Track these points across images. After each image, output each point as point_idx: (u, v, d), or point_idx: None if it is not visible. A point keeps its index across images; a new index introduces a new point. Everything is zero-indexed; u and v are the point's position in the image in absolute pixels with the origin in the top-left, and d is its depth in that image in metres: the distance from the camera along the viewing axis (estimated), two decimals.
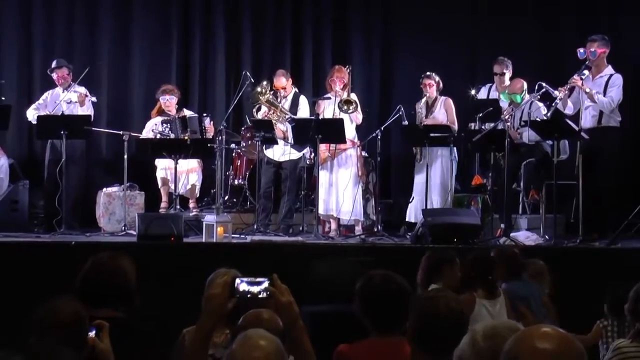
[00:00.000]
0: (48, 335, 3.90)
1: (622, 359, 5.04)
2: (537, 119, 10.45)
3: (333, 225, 11.06)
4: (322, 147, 10.83)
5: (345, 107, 10.83)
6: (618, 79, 10.40)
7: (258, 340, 3.39)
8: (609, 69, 10.51)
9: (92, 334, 4.02)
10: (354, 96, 11.01)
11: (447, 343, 3.62)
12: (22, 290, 7.91)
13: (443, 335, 3.78)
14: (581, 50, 10.47)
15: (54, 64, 11.46)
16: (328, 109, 11.08)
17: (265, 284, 3.78)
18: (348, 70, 11.16)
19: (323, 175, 10.96)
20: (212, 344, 4.21)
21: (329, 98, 11.13)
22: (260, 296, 3.77)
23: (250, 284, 3.77)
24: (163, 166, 11.37)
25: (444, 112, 11.24)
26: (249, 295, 3.76)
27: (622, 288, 6.25)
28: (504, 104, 11.09)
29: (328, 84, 11.24)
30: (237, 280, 3.76)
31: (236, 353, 3.35)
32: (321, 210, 10.86)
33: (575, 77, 10.25)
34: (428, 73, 11.33)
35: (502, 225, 10.39)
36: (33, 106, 11.39)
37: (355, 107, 10.92)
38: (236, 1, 13.26)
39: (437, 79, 11.27)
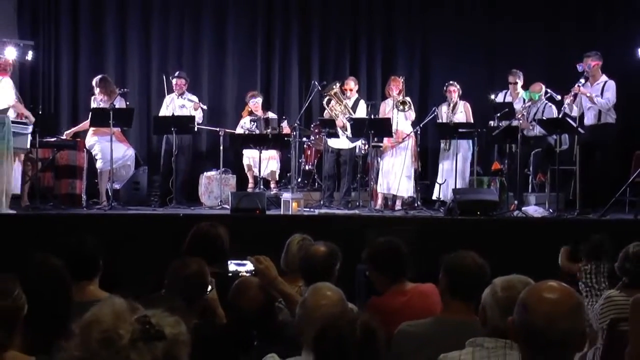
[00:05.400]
0: (178, 286, 3.91)
1: (612, 306, 5.00)
2: (544, 118, 10.47)
3: (383, 201, 11.02)
4: (385, 139, 10.88)
5: (402, 107, 10.91)
6: (612, 84, 10.42)
7: (325, 291, 3.41)
8: (604, 77, 10.51)
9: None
10: (407, 99, 11.07)
11: (473, 292, 3.61)
12: (141, 251, 8.01)
13: (469, 285, 3.76)
14: (580, 65, 10.51)
15: (176, 74, 11.57)
16: (388, 109, 11.12)
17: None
18: (402, 79, 11.18)
19: (386, 161, 10.94)
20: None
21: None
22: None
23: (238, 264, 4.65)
24: (249, 155, 11.43)
25: (463, 113, 11.20)
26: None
27: (598, 237, 6.35)
28: (518, 105, 11.10)
29: (387, 90, 11.29)
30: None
31: (308, 301, 3.37)
32: (384, 189, 10.86)
33: (576, 86, 10.32)
34: (451, 82, 11.31)
35: (516, 202, 10.36)
36: (162, 109, 11.49)
37: (409, 106, 11.00)
38: (307, 24, 13.28)
39: (458, 86, 11.25)
